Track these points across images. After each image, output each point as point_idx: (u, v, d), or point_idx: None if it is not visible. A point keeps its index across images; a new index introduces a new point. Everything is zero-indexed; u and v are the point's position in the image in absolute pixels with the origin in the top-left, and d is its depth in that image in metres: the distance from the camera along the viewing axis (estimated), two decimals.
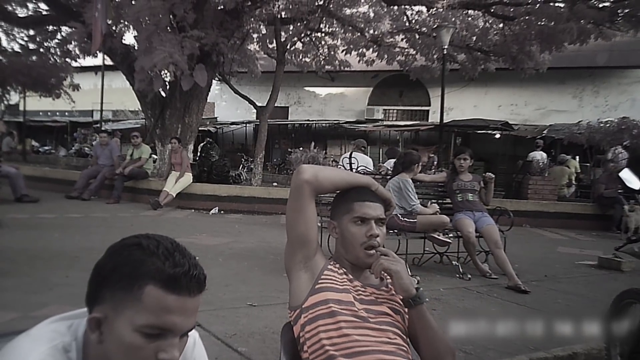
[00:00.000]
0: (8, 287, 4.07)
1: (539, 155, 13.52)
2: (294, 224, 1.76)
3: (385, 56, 14.14)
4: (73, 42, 12.97)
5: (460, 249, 5.81)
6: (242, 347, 3.15)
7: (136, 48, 11.34)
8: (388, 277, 1.73)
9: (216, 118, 23.92)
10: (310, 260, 1.75)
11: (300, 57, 14.48)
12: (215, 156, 11.35)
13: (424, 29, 13.42)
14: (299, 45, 13.91)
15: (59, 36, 14.23)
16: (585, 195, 13.14)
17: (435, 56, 14.00)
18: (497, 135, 18.83)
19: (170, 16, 10.23)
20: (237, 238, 7.12)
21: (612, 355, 3.17)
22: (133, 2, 10.56)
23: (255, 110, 13.69)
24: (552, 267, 6.23)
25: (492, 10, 12.50)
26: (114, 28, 11.73)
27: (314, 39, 13.97)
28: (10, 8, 13.50)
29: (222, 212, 9.78)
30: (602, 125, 12.03)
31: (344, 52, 14.12)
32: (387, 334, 1.61)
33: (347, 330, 1.59)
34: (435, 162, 12.80)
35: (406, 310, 1.71)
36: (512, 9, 12.22)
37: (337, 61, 14.51)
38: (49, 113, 26.75)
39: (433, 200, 6.23)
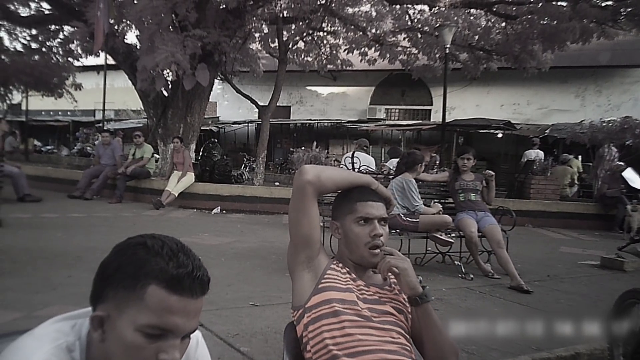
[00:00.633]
0: (11, 287, 4.08)
1: (534, 154, 13.50)
2: (297, 225, 1.76)
3: (388, 55, 14.14)
4: (75, 42, 13.00)
5: (463, 249, 5.80)
6: (244, 347, 3.14)
7: (138, 47, 11.36)
8: (392, 276, 1.73)
9: (218, 117, 23.93)
10: (313, 260, 1.75)
11: (303, 56, 14.49)
12: (217, 156, 11.35)
13: (426, 28, 13.40)
14: (301, 44, 13.91)
15: (61, 35, 14.26)
16: (587, 194, 13.11)
17: (437, 55, 13.99)
18: (500, 135, 18.81)
19: (173, 15, 10.23)
20: (240, 238, 7.11)
21: (614, 356, 3.16)
22: (135, 2, 10.55)
23: (257, 110, 13.71)
24: (554, 267, 6.22)
25: (494, 9, 12.50)
26: (116, 27, 11.76)
27: (316, 38, 13.97)
28: (12, 7, 13.51)
29: (224, 211, 9.79)
30: (604, 124, 11.98)
31: (346, 51, 14.12)
32: (390, 334, 1.61)
33: (351, 329, 1.59)
34: (438, 162, 12.79)
35: (409, 309, 1.71)
36: (514, 8, 12.21)
37: (339, 60, 14.52)
38: (51, 112, 26.80)
39: (435, 200, 6.23)
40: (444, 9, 12.18)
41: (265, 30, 13.58)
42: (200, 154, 11.97)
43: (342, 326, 1.59)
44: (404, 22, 13.70)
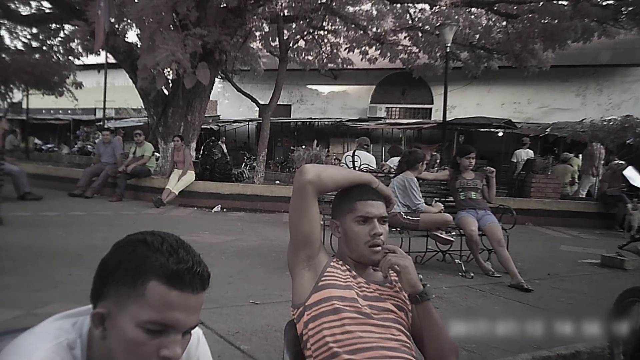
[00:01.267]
0: (11, 285, 4.08)
1: (524, 154, 13.52)
2: (297, 224, 1.76)
3: (388, 54, 14.14)
4: (76, 40, 13.01)
5: (463, 247, 5.80)
6: (244, 345, 3.14)
7: (139, 46, 11.37)
8: (393, 273, 1.73)
9: (219, 116, 23.95)
10: (314, 259, 1.75)
11: (303, 55, 14.49)
12: (217, 154, 11.35)
13: (427, 26, 13.40)
14: (301, 43, 13.91)
15: (61, 34, 14.26)
16: (588, 193, 13.12)
17: (438, 54, 13.99)
18: (500, 134, 18.83)
19: (173, 14, 10.23)
20: (240, 236, 7.12)
21: (615, 354, 3.17)
22: (136, 0, 10.56)
23: (257, 108, 13.71)
24: (555, 266, 6.22)
25: (495, 8, 12.49)
26: (116, 26, 11.75)
27: (316, 37, 13.97)
28: (13, 6, 13.51)
29: (224, 210, 9.79)
30: (605, 123, 11.99)
31: (347, 50, 14.12)
32: (390, 331, 1.61)
33: (351, 327, 1.59)
34: (438, 160, 12.80)
35: (410, 307, 1.71)
36: (515, 7, 12.20)
37: (339, 59, 14.52)
38: (51, 111, 26.82)
39: (436, 199, 6.23)
40: (444, 7, 12.18)
41: (266, 29, 13.57)
42: (201, 152, 11.98)
43: (342, 323, 1.59)
44: (405, 20, 13.69)
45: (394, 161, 8.16)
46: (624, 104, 18.62)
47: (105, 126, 17.31)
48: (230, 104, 23.57)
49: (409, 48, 14.47)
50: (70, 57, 14.39)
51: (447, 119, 12.96)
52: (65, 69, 14.96)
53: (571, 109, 19.19)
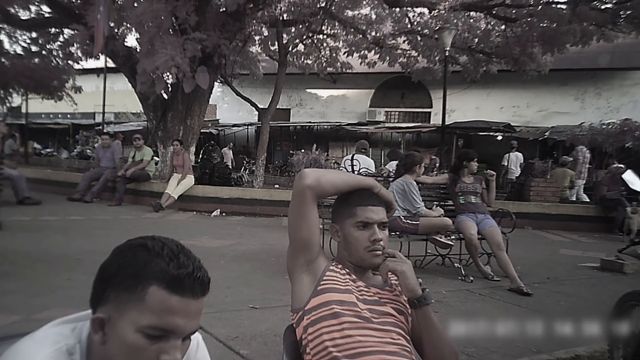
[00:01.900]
0: (10, 290, 4.07)
1: (515, 157, 13.55)
2: (297, 228, 1.76)
3: (387, 58, 14.18)
4: (75, 45, 13.01)
5: (463, 251, 5.80)
6: (244, 349, 3.14)
7: (138, 50, 11.37)
8: (394, 276, 1.73)
9: (218, 120, 23.95)
10: (313, 263, 1.75)
11: (302, 59, 14.51)
12: (217, 158, 11.35)
13: (426, 30, 13.43)
14: (300, 47, 13.95)
15: (61, 38, 14.27)
16: (587, 196, 13.12)
17: (437, 58, 14.01)
18: (499, 137, 18.83)
19: (173, 18, 10.25)
20: (239, 240, 7.11)
21: (615, 358, 3.16)
22: (135, 5, 10.58)
23: (257, 112, 13.69)
24: (554, 270, 6.22)
25: (494, 12, 12.52)
26: (116, 30, 11.77)
27: (315, 41, 13.99)
28: (12, 10, 13.52)
29: (223, 214, 9.78)
30: (604, 127, 12.01)
31: (346, 54, 14.15)
32: (390, 335, 1.61)
33: (350, 331, 1.58)
34: (437, 164, 12.80)
35: (410, 311, 1.71)
36: (514, 11, 12.23)
37: (338, 63, 14.55)
38: (51, 115, 26.81)
39: (436, 203, 6.24)
40: (443, 11, 12.20)
41: (265, 33, 13.60)
42: (200, 156, 11.98)
43: (341, 328, 1.59)
44: (404, 25, 13.73)
45: (393, 165, 8.16)
46: (622, 107, 18.64)
47: (105, 130, 17.38)
48: (230, 108, 23.58)
49: (408, 52, 14.50)
50: (69, 62, 14.38)
51: (446, 123, 12.97)
52: (64, 73, 14.95)
53: (570, 113, 19.22)
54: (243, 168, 16.74)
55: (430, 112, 21.90)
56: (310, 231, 1.75)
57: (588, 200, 12.50)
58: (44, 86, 15.02)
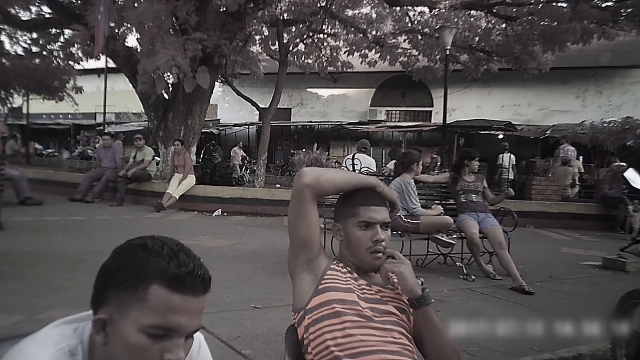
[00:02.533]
0: (12, 290, 4.08)
1: (507, 157, 13.54)
2: (296, 228, 1.76)
3: (388, 57, 14.17)
4: (76, 45, 13.04)
5: (464, 250, 5.79)
6: (246, 349, 3.14)
7: (139, 50, 11.38)
8: (394, 276, 1.73)
9: (219, 120, 23.94)
10: (313, 262, 1.75)
11: (303, 58, 14.50)
12: (218, 158, 11.35)
13: (427, 29, 13.42)
14: (301, 46, 13.93)
15: (61, 39, 14.29)
16: (589, 195, 13.11)
17: (437, 57, 14.01)
18: (500, 136, 18.80)
19: (173, 19, 10.26)
20: (240, 240, 7.11)
21: (617, 356, 3.16)
22: (136, 5, 10.58)
23: (257, 112, 13.69)
24: (556, 268, 6.22)
25: (494, 11, 12.51)
26: (116, 31, 11.78)
27: (316, 41, 13.99)
28: (13, 11, 13.54)
29: (225, 213, 9.78)
30: (605, 125, 11.97)
31: (347, 53, 14.14)
32: (392, 334, 1.61)
33: (352, 330, 1.58)
34: (439, 163, 12.80)
35: (412, 310, 1.71)
36: (514, 9, 12.22)
37: (339, 62, 14.54)
38: (52, 116, 26.81)
39: (437, 201, 6.24)
40: (444, 10, 12.20)
41: (266, 33, 13.60)
42: (201, 156, 11.99)
43: (343, 327, 1.59)
44: (404, 23, 13.72)
45: (393, 164, 8.17)
46: (624, 105, 18.60)
47: (106, 131, 17.35)
48: (231, 108, 23.56)
49: (409, 51, 14.50)
50: (70, 62, 14.41)
51: (447, 122, 12.96)
52: (65, 73, 14.97)
53: (571, 111, 19.18)
54: (244, 167, 16.73)
55: (431, 111, 21.87)
56: (310, 230, 1.74)
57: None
58: (45, 87, 15.04)
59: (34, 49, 14.66)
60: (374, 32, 13.44)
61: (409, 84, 18.78)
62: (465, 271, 5.50)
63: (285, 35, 12.64)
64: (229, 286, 4.54)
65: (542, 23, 11.74)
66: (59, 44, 14.36)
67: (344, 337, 1.58)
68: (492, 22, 13.24)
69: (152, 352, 0.99)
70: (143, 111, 14.13)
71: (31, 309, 3.60)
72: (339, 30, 13.74)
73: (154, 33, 10.02)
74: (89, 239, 6.32)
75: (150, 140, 12.22)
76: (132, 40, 12.80)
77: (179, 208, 9.87)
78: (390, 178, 6.15)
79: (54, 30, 14.09)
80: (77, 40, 12.32)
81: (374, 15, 13.27)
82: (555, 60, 13.35)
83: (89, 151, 21.35)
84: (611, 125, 11.83)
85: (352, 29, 13.29)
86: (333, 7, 12.09)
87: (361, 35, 13.51)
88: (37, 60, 14.71)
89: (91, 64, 15.01)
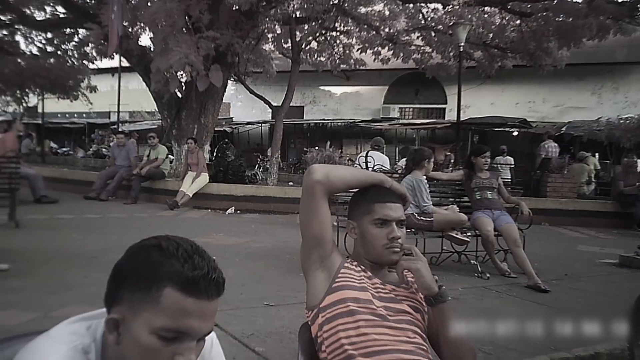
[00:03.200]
0: (27, 288, 4.11)
1: (503, 160, 13.42)
2: (308, 225, 1.75)
3: (401, 54, 14.09)
4: (90, 44, 13.15)
5: (479, 248, 5.74)
6: (259, 347, 3.14)
7: (152, 49, 11.45)
8: (409, 274, 1.71)
9: (232, 118, 24.04)
10: (327, 260, 1.74)
11: (316, 56, 14.47)
12: (231, 156, 11.38)
13: (440, 26, 13.35)
14: (314, 44, 13.90)
15: (76, 39, 14.43)
16: (605, 192, 12.98)
17: (451, 54, 13.93)
18: (515, 133, 18.69)
19: (186, 17, 10.28)
20: (254, 238, 7.12)
21: (635, 355, 3.11)
22: (149, 4, 10.63)
23: (270, 110, 13.71)
24: (572, 266, 6.15)
25: (508, 7, 12.41)
26: (130, 30, 11.83)
27: (329, 38, 13.95)
28: (28, 12, 13.67)
29: (238, 211, 9.81)
30: (621, 121, 11.89)
31: (359, 50, 14.09)
32: (406, 333, 1.59)
33: (366, 329, 1.57)
34: (452, 160, 12.73)
35: (426, 308, 1.69)
36: (529, 5, 12.11)
37: (352, 60, 14.48)
38: (67, 115, 27.09)
39: (451, 199, 6.19)
40: (457, 7, 12.12)
41: (278, 31, 13.60)
42: (214, 154, 12.02)
43: (357, 325, 1.57)
44: (418, 20, 13.65)
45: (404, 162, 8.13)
46: None
47: (120, 129, 17.49)
48: (243, 106, 23.64)
49: (422, 48, 14.41)
50: (84, 61, 14.55)
51: (461, 119, 12.90)
52: (79, 73, 15.12)
53: (587, 108, 19.00)
54: (257, 165, 16.76)
55: (444, 108, 21.78)
56: (322, 227, 1.73)
57: None
58: (60, 86, 15.21)
59: (49, 48, 14.82)
60: (387, 29, 13.37)
61: (422, 81, 18.70)
62: (480, 269, 5.45)
63: (297, 33, 12.64)
64: (242, 284, 4.54)
65: (557, 19, 11.63)
66: (74, 43, 14.50)
67: (358, 335, 1.56)
68: (507, 18, 13.13)
69: (163, 354, 0.98)
70: (157, 110, 14.20)
71: (46, 306, 3.63)
72: (352, 28, 13.70)
73: (167, 32, 10.06)
74: (103, 237, 6.36)
75: (164, 139, 12.28)
76: (145, 39, 12.93)
77: (192, 206, 9.91)
78: (402, 175, 6.12)
79: (68, 30, 14.22)
80: (91, 40, 12.40)
81: (387, 12, 13.20)
82: (570, 56, 13.20)
83: (104, 150, 21.53)
84: (628, 122, 11.74)
85: (365, 26, 13.24)
86: (346, 4, 12.05)
87: (374, 32, 13.45)
88: (51, 60, 14.87)
89: (105, 63, 15.16)
